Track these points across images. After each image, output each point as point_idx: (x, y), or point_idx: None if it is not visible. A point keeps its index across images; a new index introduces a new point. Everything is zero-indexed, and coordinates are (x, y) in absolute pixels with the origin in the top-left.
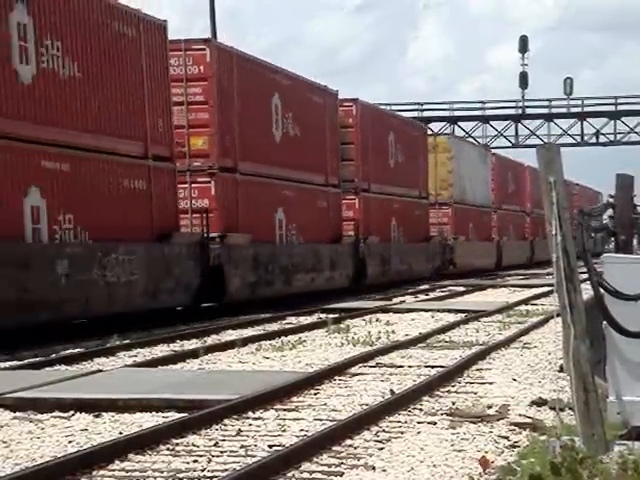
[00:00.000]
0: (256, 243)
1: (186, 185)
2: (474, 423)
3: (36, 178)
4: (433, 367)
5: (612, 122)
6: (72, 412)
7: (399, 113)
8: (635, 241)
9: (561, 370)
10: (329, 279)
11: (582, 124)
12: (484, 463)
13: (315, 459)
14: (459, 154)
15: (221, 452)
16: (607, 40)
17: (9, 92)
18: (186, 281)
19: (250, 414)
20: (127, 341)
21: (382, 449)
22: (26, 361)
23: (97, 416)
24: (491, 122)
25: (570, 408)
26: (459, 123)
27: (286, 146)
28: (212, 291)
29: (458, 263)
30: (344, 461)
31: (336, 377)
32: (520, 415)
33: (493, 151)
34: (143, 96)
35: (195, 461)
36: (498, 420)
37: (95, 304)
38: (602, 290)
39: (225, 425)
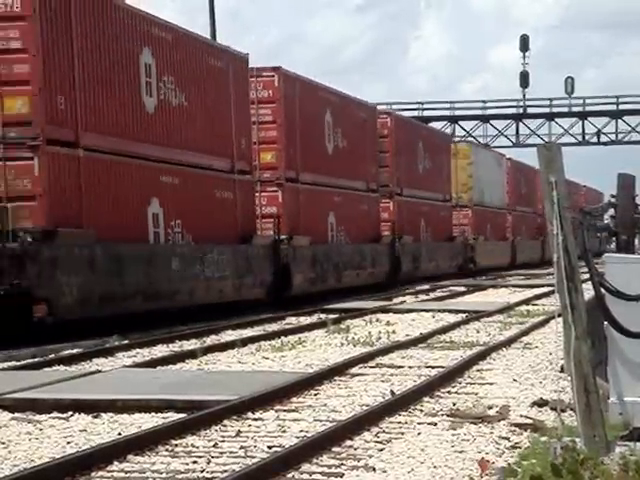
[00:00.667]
0: (314, 244)
1: (256, 194)
2: (475, 424)
3: (156, 191)
4: (434, 367)
5: (613, 121)
6: (71, 413)
7: (399, 113)
8: (637, 241)
9: (562, 371)
10: (371, 275)
11: (583, 123)
12: (483, 465)
13: (315, 460)
14: (477, 159)
15: (220, 453)
16: (610, 39)
17: (137, 120)
18: (262, 277)
19: (250, 415)
20: (126, 341)
21: (382, 450)
22: (25, 362)
23: (96, 417)
24: (492, 121)
25: (571, 409)
26: (460, 122)
27: (336, 157)
28: (280, 286)
29: (478, 261)
30: (344, 462)
31: (336, 378)
32: (521, 416)
33: (508, 156)
34: (230, 119)
35: (194, 462)
36: (499, 421)
37: (197, 295)
38: (603, 290)
39: (224, 426)
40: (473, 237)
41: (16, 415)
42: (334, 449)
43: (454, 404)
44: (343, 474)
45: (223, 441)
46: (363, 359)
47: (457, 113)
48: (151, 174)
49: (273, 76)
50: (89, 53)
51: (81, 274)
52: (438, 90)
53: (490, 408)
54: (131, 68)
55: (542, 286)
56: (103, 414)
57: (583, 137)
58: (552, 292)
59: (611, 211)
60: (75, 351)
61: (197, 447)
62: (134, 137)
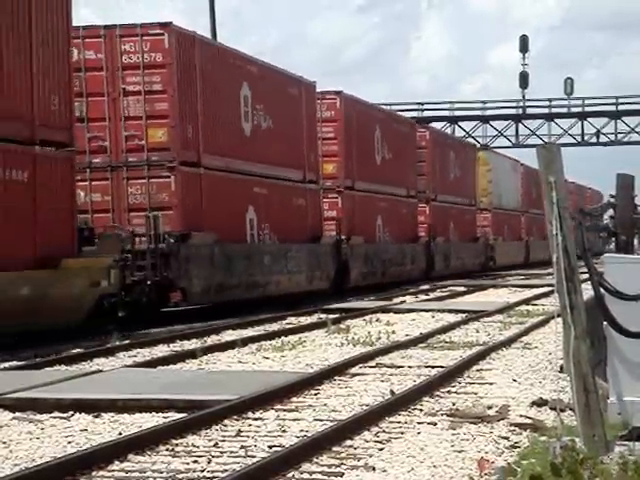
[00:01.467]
0: (366, 243)
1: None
2: (474, 424)
3: (252, 200)
4: (433, 367)
5: (613, 122)
6: (72, 412)
7: (399, 113)
8: (636, 241)
9: (561, 370)
10: (410, 271)
11: (583, 124)
12: (481, 465)
13: (315, 460)
14: (495, 166)
15: (221, 453)
16: (611, 39)
17: (238, 142)
18: (327, 271)
19: (250, 414)
20: (127, 341)
21: (382, 449)
22: (26, 361)
23: (97, 416)
24: (491, 122)
25: (571, 409)
26: (459, 123)
27: (383, 167)
28: (340, 278)
29: (497, 260)
30: (344, 462)
31: (336, 377)
32: (520, 416)
33: (522, 162)
34: (302, 137)
35: (195, 462)
36: (498, 421)
37: (282, 286)
38: (603, 290)
39: (225, 425)
40: (493, 238)
41: (17, 415)
42: (334, 449)
43: (454, 404)
44: (343, 473)
45: (224, 441)
46: (363, 359)
47: (457, 114)
48: (248, 186)
49: (335, 99)
50: (206, 91)
51: (205, 268)
52: (439, 90)
53: (490, 408)
54: (234, 100)
55: (542, 286)
56: (104, 414)
57: (582, 137)
58: (552, 292)
59: (610, 211)
60: (76, 351)
61: (198, 447)
62: (236, 156)
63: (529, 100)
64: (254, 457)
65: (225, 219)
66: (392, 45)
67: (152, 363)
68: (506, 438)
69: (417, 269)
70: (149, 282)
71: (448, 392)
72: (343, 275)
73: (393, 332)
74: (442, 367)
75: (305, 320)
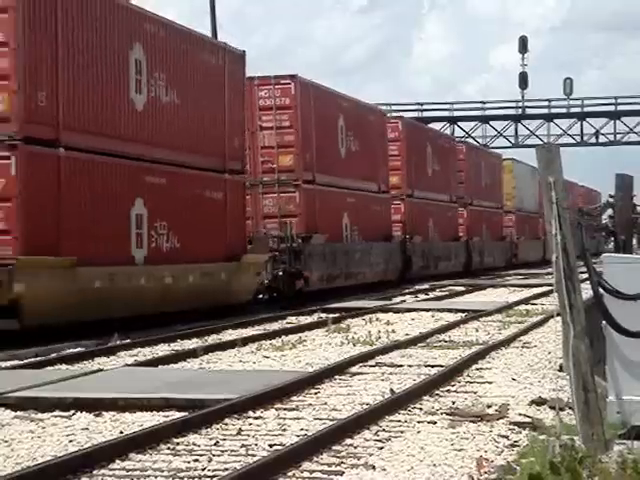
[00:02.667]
0: (423, 242)
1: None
2: (474, 422)
3: (346, 207)
4: (433, 366)
5: (612, 122)
6: (73, 411)
7: (399, 113)
8: (635, 241)
9: (561, 369)
10: (453, 265)
11: (582, 124)
12: (480, 464)
13: (315, 458)
14: (517, 173)
15: (222, 451)
16: (611, 40)
17: (335, 160)
18: (396, 265)
19: (250, 413)
20: (128, 340)
21: (382, 448)
22: (27, 360)
23: (98, 415)
24: (491, 122)
25: (570, 407)
26: (459, 123)
27: (436, 178)
28: (404, 270)
29: (520, 257)
30: (344, 460)
31: (336, 376)
32: (520, 414)
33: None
34: (378, 156)
35: (196, 460)
36: (498, 419)
37: (367, 276)
38: (602, 290)
39: (226, 424)
40: (517, 237)
41: (18, 413)
42: (334, 447)
43: (453, 403)
44: (343, 472)
45: (224, 439)
46: (363, 358)
47: (456, 114)
48: (342, 197)
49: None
50: (319, 121)
51: (319, 262)
52: (440, 91)
53: (489, 407)
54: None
55: (541, 286)
56: (105, 413)
57: (581, 138)
58: (551, 292)
59: (609, 211)
60: (77, 350)
61: (198, 445)
62: (335, 173)
63: (528, 100)
64: (255, 456)
65: (329, 223)
66: (393, 46)
67: (153, 362)
68: (505, 437)
69: (458, 264)
70: (286, 272)
71: (448, 391)
72: (406, 267)
73: (393, 331)
74: (442, 366)
75: (305, 319)
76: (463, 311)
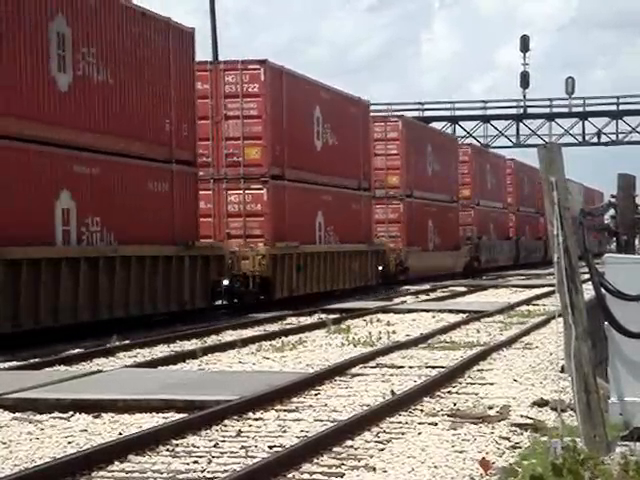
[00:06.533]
0: (488, 241)
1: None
2: (475, 424)
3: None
4: (434, 368)
5: (614, 122)
6: (72, 413)
7: (400, 113)
8: (637, 241)
9: (562, 371)
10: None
11: (584, 124)
12: (485, 465)
13: (316, 460)
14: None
15: (221, 453)
16: (617, 39)
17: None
18: (466, 258)
19: (250, 415)
20: (127, 341)
21: (383, 450)
22: (26, 362)
23: (97, 417)
24: (492, 122)
25: (572, 409)
26: (460, 122)
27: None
28: (473, 263)
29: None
30: (345, 462)
31: (336, 378)
32: (521, 416)
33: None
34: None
35: (195, 462)
36: (499, 421)
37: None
38: (604, 290)
39: (225, 426)
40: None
41: (17, 415)
42: (335, 449)
43: (454, 404)
44: (344, 474)
45: (224, 441)
46: (363, 359)
47: (457, 113)
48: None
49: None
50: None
51: None
52: (446, 90)
53: (490, 408)
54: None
55: (542, 286)
56: (104, 414)
57: (583, 137)
58: (553, 292)
59: (611, 211)
60: (76, 351)
61: (198, 447)
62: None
63: (530, 100)
64: (254, 457)
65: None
66: (401, 45)
67: (152, 363)
68: (507, 438)
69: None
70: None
71: (449, 392)
72: (476, 261)
73: (393, 332)
74: (443, 367)
75: (305, 320)
76: (464, 312)
